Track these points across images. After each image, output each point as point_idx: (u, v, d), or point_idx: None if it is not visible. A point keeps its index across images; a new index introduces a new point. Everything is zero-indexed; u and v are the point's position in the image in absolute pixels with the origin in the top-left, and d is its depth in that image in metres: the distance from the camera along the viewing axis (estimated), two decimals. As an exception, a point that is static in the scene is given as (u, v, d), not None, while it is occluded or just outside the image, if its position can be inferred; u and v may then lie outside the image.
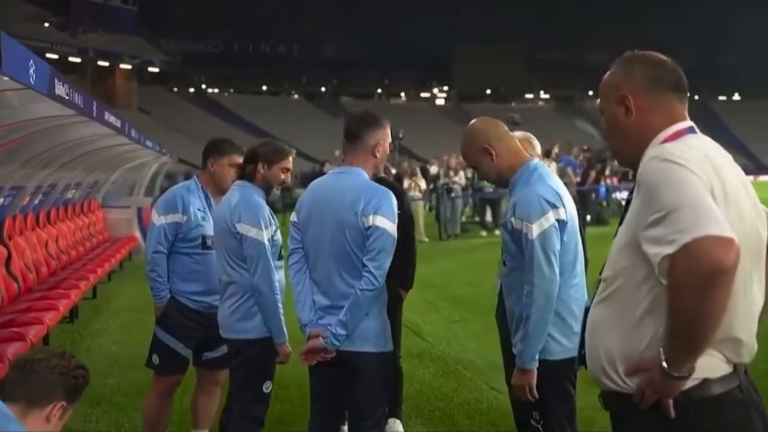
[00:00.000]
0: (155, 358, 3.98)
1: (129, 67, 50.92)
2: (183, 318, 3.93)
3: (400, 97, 71.99)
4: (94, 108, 5.63)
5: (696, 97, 72.94)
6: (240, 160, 3.95)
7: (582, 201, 17.57)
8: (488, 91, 70.85)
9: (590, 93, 74.56)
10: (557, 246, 2.86)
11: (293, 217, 3.27)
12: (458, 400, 5.25)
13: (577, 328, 2.92)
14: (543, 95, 73.46)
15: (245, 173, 3.62)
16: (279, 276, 3.55)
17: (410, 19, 67.44)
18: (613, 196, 19.09)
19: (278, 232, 3.64)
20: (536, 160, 3.07)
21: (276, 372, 3.70)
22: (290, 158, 3.66)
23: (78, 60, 45.90)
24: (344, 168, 3.21)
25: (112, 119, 6.71)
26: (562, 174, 17.79)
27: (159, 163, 14.44)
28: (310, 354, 3.10)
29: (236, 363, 3.60)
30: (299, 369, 3.64)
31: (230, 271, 3.54)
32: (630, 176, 19.40)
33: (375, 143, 3.16)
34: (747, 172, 2.12)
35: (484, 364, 6.13)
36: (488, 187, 16.56)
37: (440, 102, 71.12)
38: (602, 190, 18.63)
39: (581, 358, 2.10)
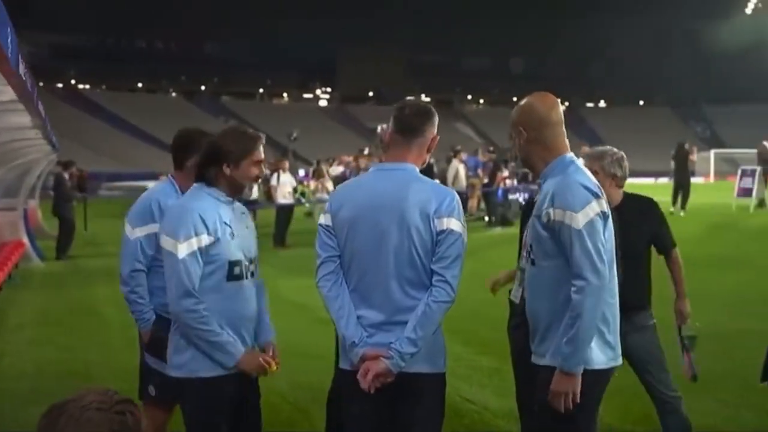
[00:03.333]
0: (152, 390, 3.41)
1: (-10, 58, 47.19)
2: None
3: (283, 97, 71.07)
4: (35, 94, 4.87)
5: (566, 104, 76.99)
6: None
7: (487, 202, 17.83)
8: (371, 93, 71.29)
9: (469, 97, 76.85)
10: (603, 238, 2.59)
11: (324, 220, 2.80)
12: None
13: (610, 336, 2.69)
14: (424, 98, 74.57)
15: (205, 177, 2.95)
16: (222, 305, 2.87)
17: (294, 20, 66.59)
18: (511, 197, 19.41)
19: (221, 244, 2.86)
20: (572, 154, 2.79)
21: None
22: (261, 147, 3.06)
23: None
24: (394, 164, 2.80)
25: (41, 108, 5.88)
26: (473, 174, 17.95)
27: (48, 161, 13.23)
28: (375, 379, 2.65)
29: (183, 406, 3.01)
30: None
31: None
32: (530, 178, 19.86)
33: (432, 137, 2.86)
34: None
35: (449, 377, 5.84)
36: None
37: (323, 103, 70.78)
38: (498, 191, 18.90)
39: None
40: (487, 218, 17.30)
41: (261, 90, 69.93)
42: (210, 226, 2.81)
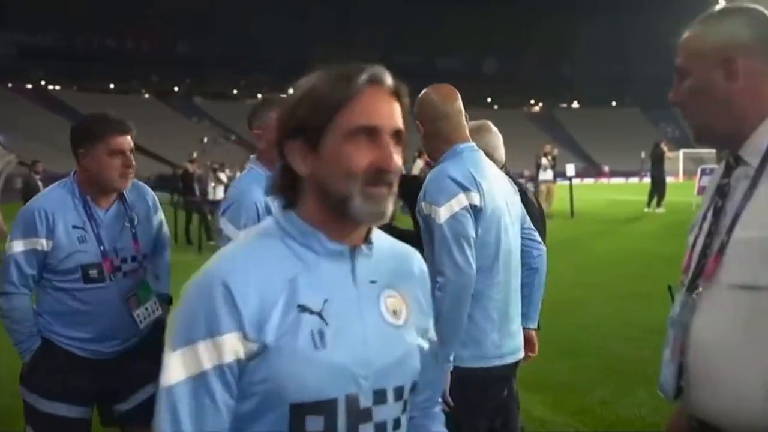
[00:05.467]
0: (29, 430, 2.77)
1: (-44, 58, 46.61)
2: (62, 372, 2.73)
3: (257, 98, 70.73)
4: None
5: (540, 105, 77.59)
6: (123, 141, 2.74)
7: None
8: (345, 94, 71.38)
9: (443, 98, 77.22)
10: (470, 232, 2.49)
11: None
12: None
13: (494, 333, 2.58)
14: (399, 99, 74.93)
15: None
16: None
17: (267, 19, 66.44)
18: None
19: (272, 356, 1.19)
20: (468, 144, 2.66)
21: None
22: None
23: None
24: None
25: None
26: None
27: (4, 162, 13.07)
28: None
29: None
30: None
31: None
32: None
33: (257, 131, 2.82)
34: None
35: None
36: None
37: (297, 104, 70.70)
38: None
39: (677, 390, 1.58)
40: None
41: (234, 90, 69.68)
42: (247, 320, 1.19)
